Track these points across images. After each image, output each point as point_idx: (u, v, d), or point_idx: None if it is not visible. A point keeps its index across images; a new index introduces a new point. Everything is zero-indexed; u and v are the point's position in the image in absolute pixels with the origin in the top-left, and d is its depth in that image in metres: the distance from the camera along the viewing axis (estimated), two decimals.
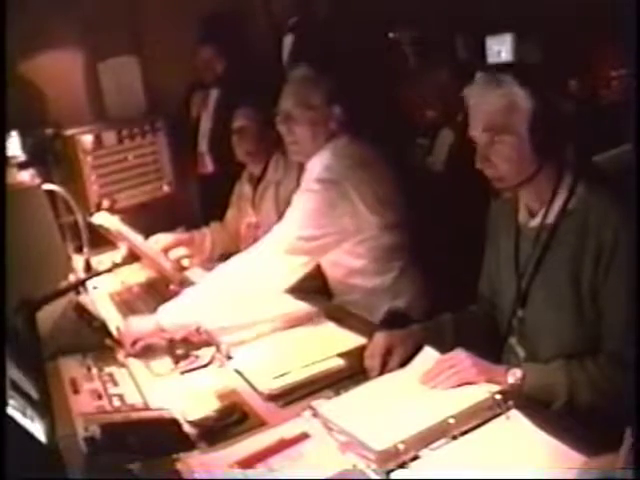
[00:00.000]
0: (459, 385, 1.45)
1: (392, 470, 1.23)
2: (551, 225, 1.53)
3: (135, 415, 1.53)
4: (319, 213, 1.99)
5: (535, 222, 1.56)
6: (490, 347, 1.64)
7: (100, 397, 1.65)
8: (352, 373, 1.63)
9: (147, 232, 2.61)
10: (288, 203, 2.08)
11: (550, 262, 1.53)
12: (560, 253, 1.50)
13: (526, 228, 1.59)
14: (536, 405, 1.38)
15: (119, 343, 1.90)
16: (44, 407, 1.53)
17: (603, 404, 1.39)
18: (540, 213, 1.55)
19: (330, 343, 1.78)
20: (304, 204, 2.01)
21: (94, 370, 1.80)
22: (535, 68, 1.75)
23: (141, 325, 1.90)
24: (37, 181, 2.51)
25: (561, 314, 1.49)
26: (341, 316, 1.98)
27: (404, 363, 1.59)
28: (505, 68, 1.57)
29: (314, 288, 2.20)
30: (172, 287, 2.30)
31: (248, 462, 1.30)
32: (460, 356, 1.49)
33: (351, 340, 1.78)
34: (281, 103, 2.12)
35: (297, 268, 1.99)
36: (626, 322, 1.36)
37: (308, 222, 1.98)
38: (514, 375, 1.43)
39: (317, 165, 2.08)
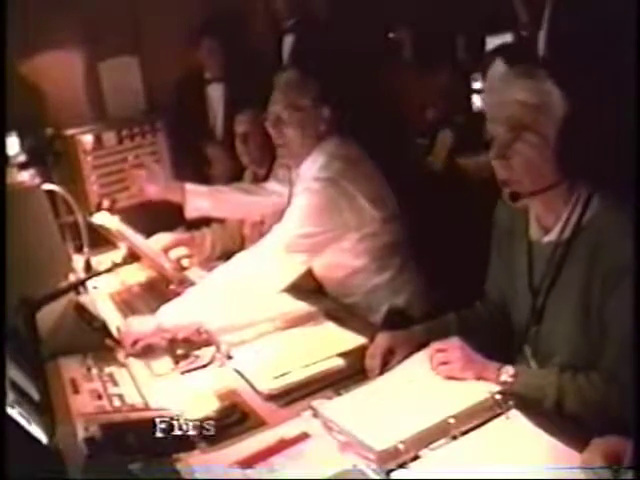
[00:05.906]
0: (447, 378, 1.45)
1: (392, 470, 1.23)
2: (565, 241, 1.41)
3: (135, 415, 1.53)
4: (319, 210, 1.99)
5: (549, 238, 1.45)
6: (495, 348, 1.62)
7: (100, 397, 1.64)
8: (352, 373, 1.62)
9: (147, 232, 2.60)
10: None
11: (564, 278, 1.44)
12: (573, 269, 1.41)
13: (539, 245, 1.48)
14: (527, 405, 1.37)
15: (119, 343, 1.90)
16: (44, 407, 1.53)
17: (589, 416, 1.34)
18: (555, 229, 1.43)
19: (330, 343, 1.78)
20: (304, 202, 2.01)
21: (94, 370, 1.80)
22: (574, 69, 1.52)
23: (142, 325, 1.90)
24: (37, 181, 2.51)
25: (573, 330, 1.42)
26: (341, 316, 1.97)
27: None
28: (538, 61, 1.37)
29: (314, 288, 2.20)
30: (172, 287, 2.29)
31: (248, 462, 1.30)
32: (452, 344, 1.48)
33: (351, 340, 1.78)
34: (270, 106, 2.13)
35: (297, 266, 1.99)
36: (624, 341, 1.28)
37: (308, 220, 1.98)
38: (507, 372, 1.42)
39: (312, 166, 2.08)
